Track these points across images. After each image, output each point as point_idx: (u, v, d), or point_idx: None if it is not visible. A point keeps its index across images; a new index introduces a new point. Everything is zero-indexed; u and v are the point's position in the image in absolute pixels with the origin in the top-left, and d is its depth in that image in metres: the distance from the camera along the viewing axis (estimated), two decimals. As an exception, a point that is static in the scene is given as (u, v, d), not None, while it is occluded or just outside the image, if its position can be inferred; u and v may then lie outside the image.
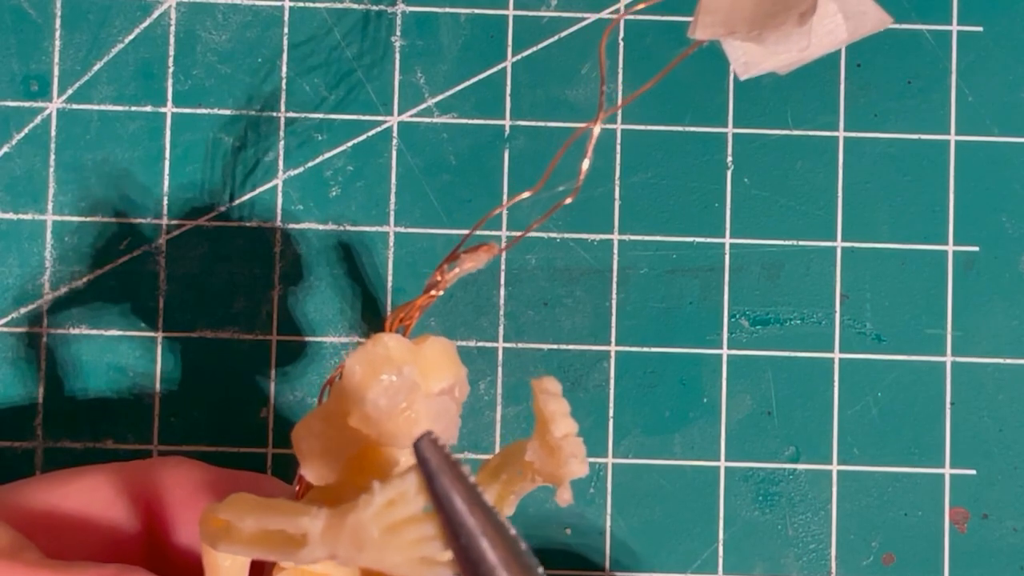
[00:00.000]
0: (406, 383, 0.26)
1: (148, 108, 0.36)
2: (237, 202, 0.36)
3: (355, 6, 0.36)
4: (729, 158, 0.36)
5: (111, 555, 0.28)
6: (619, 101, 0.36)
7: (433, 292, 0.28)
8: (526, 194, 0.29)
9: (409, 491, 0.24)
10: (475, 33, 0.36)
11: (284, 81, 0.36)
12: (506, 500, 0.28)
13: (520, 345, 0.36)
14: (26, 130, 0.36)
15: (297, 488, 0.29)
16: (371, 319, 0.35)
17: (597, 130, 0.27)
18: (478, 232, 0.29)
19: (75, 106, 0.36)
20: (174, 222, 0.36)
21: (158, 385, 0.35)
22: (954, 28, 0.36)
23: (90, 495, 0.29)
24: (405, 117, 0.36)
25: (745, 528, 0.35)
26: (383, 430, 0.26)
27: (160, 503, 0.29)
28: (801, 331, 0.36)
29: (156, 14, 0.36)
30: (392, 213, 0.36)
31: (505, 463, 0.28)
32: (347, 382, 0.26)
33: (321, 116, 0.36)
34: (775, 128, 0.36)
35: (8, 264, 0.35)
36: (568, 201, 0.29)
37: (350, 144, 0.36)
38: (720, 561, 0.35)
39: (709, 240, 0.36)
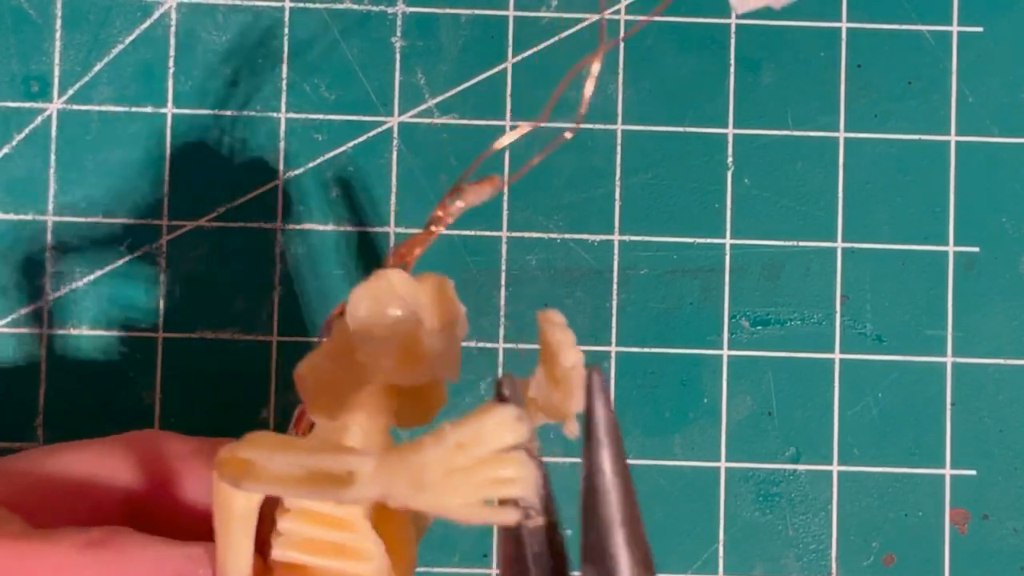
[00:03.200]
0: (412, 317, 0.26)
1: (148, 108, 0.36)
2: (237, 202, 0.36)
3: (355, 6, 0.36)
4: (729, 159, 0.36)
5: (109, 521, 0.27)
6: (618, 101, 0.36)
7: (433, 228, 0.28)
8: (527, 126, 0.29)
9: (482, 434, 0.23)
10: (475, 33, 0.36)
11: (284, 81, 0.36)
12: None
13: (520, 346, 0.36)
14: (26, 130, 0.36)
15: (294, 429, 0.29)
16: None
17: (597, 66, 0.27)
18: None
19: (75, 107, 0.36)
20: (174, 222, 0.36)
21: (158, 385, 0.35)
22: (954, 29, 0.36)
23: (96, 463, 0.29)
24: (405, 118, 0.36)
25: (745, 528, 0.35)
26: (388, 366, 0.26)
27: (164, 467, 0.29)
28: (801, 332, 0.36)
29: (156, 15, 0.36)
30: (392, 213, 0.36)
31: None
32: (352, 318, 0.26)
33: (321, 116, 0.36)
34: (775, 129, 0.36)
35: (8, 264, 0.35)
36: (568, 136, 0.29)
37: (350, 144, 0.36)
38: (720, 561, 0.35)
39: (709, 241, 0.36)
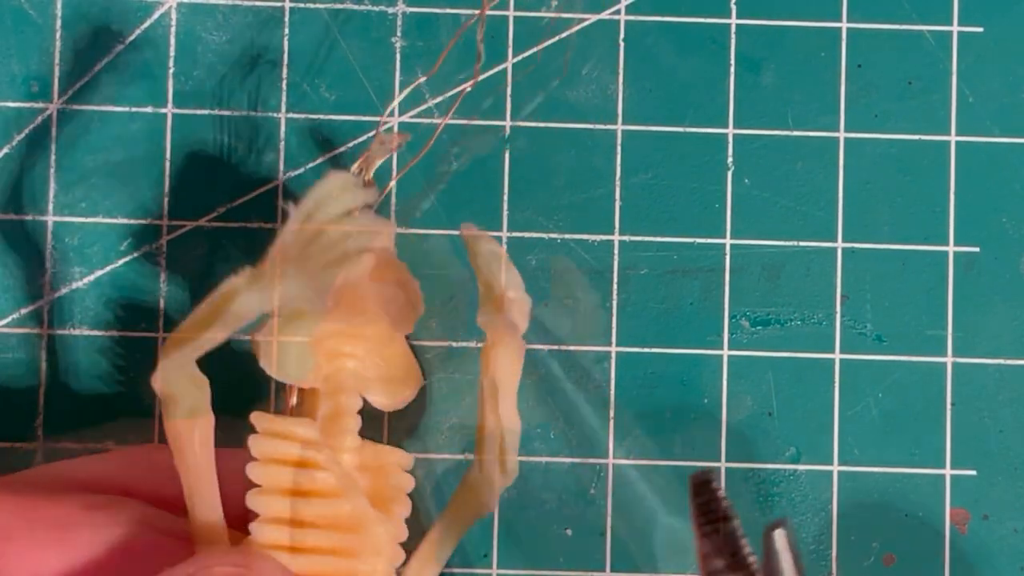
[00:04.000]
0: (357, 195, 0.28)
1: (148, 109, 0.36)
2: (237, 202, 0.36)
3: (355, 6, 0.36)
4: (730, 159, 0.36)
5: None
6: (618, 101, 0.36)
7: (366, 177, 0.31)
8: (422, 79, 0.34)
9: (324, 200, 0.25)
10: (475, 34, 0.36)
11: (284, 81, 0.36)
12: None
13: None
14: (26, 131, 0.36)
15: (288, 402, 0.31)
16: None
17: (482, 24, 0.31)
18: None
19: (75, 107, 0.36)
20: (174, 222, 0.36)
21: (158, 385, 0.35)
22: (954, 29, 0.36)
23: (99, 473, 0.30)
24: (405, 117, 0.36)
25: (746, 529, 0.35)
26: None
27: (161, 477, 0.30)
28: (802, 332, 0.36)
29: (157, 15, 0.36)
30: (393, 213, 0.36)
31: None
32: (296, 220, 0.28)
33: (321, 116, 0.36)
34: (775, 129, 0.36)
35: (8, 264, 0.35)
36: (468, 88, 0.31)
37: (350, 144, 0.36)
38: (720, 562, 0.35)
39: (709, 241, 0.36)
